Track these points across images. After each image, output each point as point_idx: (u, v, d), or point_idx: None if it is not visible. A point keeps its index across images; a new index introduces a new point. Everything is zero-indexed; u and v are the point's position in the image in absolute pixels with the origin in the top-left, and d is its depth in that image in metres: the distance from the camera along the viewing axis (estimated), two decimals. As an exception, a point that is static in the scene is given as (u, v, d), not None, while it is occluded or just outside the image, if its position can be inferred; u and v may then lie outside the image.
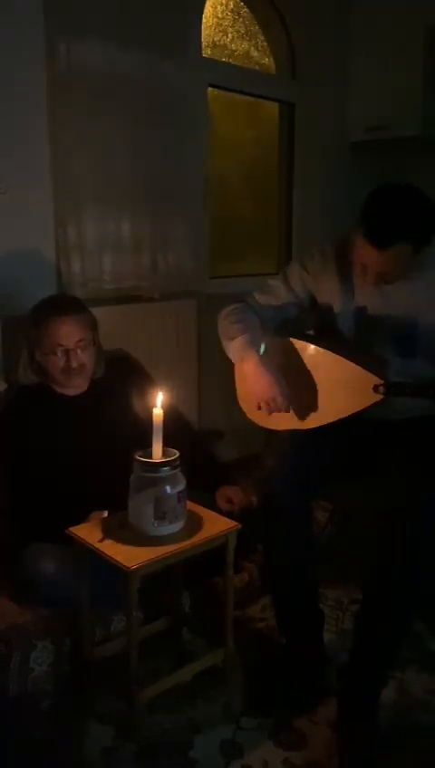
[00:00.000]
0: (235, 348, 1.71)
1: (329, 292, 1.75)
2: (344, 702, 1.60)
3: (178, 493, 1.48)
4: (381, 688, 1.61)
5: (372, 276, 1.61)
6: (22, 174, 2.09)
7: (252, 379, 1.67)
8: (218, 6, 2.84)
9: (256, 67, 3.02)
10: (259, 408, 1.69)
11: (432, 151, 2.99)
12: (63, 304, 1.88)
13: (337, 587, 2.15)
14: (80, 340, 1.83)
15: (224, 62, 2.84)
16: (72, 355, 1.82)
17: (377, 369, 1.64)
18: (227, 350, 1.75)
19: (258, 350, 1.68)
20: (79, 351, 1.83)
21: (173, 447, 1.51)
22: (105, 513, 1.63)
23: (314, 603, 1.79)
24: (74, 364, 1.82)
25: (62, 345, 1.81)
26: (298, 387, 1.70)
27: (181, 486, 1.49)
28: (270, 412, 1.68)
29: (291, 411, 1.71)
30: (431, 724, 1.63)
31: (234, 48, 2.93)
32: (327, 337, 1.76)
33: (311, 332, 1.84)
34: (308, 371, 1.72)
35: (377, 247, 1.52)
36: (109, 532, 1.52)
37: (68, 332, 1.81)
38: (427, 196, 1.53)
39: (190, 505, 1.58)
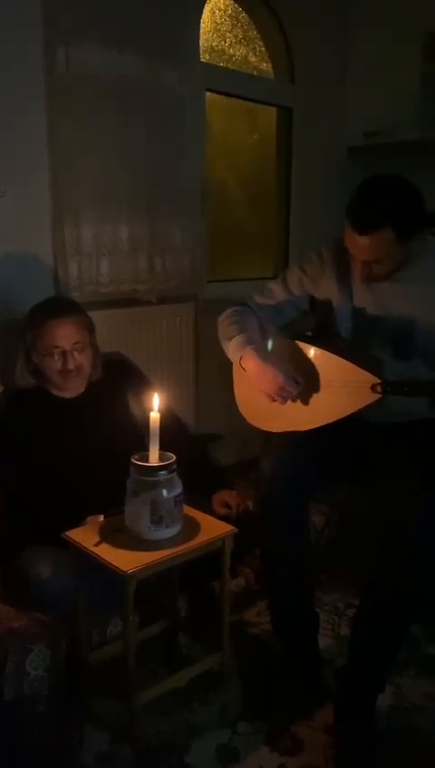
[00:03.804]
0: (233, 348, 1.71)
1: (327, 294, 1.76)
2: (341, 704, 1.60)
3: (175, 496, 1.47)
4: (378, 691, 1.61)
5: (359, 268, 1.61)
6: (20, 177, 2.10)
7: (255, 375, 1.66)
8: (217, 11, 2.85)
9: (254, 72, 3.03)
10: (273, 401, 1.67)
11: (430, 156, 3.00)
12: (60, 306, 1.88)
13: (333, 592, 2.15)
14: (76, 342, 1.83)
15: (222, 66, 2.85)
16: (68, 357, 1.82)
17: (374, 369, 1.65)
18: (227, 350, 1.76)
19: (256, 347, 1.67)
20: (75, 353, 1.83)
21: (170, 451, 1.50)
22: (101, 518, 1.63)
23: (311, 606, 1.79)
24: (71, 366, 1.82)
25: (58, 347, 1.81)
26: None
27: (178, 490, 1.48)
28: (284, 402, 1.66)
29: (289, 412, 1.71)
30: (428, 728, 1.63)
31: (232, 53, 2.93)
32: (325, 338, 1.76)
33: (309, 334, 1.84)
34: (306, 372, 1.72)
35: (359, 232, 1.53)
36: (105, 535, 1.51)
37: (64, 334, 1.81)
38: (416, 188, 1.54)
39: (187, 509, 1.57)
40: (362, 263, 1.60)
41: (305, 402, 1.70)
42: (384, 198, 1.52)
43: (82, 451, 1.83)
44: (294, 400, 1.67)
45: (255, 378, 1.67)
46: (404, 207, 1.52)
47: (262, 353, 1.67)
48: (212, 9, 2.82)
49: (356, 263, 1.63)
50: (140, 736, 1.54)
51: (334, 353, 1.69)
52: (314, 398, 1.70)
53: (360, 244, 1.55)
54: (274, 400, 1.67)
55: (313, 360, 1.72)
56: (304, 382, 1.66)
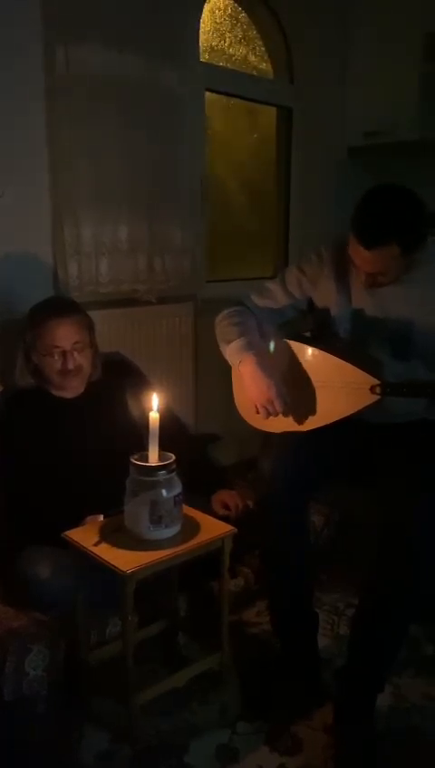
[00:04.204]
0: (232, 351, 1.72)
1: (326, 295, 1.76)
2: (341, 704, 1.60)
3: (175, 496, 1.47)
4: (377, 691, 1.61)
5: (363, 276, 1.62)
6: (20, 177, 2.09)
7: (249, 382, 1.68)
8: (216, 11, 2.85)
9: (254, 72, 3.03)
10: (257, 411, 1.69)
11: (430, 156, 3.00)
12: (60, 306, 1.88)
13: (333, 592, 2.15)
14: (76, 342, 1.83)
15: (222, 66, 2.85)
16: (68, 357, 1.82)
17: (372, 370, 1.65)
18: (225, 352, 1.76)
19: (256, 353, 1.68)
20: (75, 353, 1.83)
21: (169, 451, 1.50)
22: (100, 518, 1.63)
23: (310, 605, 1.79)
24: (70, 366, 1.82)
25: (58, 347, 1.81)
26: (295, 389, 1.70)
27: (177, 490, 1.48)
28: (267, 416, 1.68)
29: (289, 414, 1.71)
30: (428, 728, 1.63)
31: (232, 53, 2.93)
32: (324, 339, 1.76)
33: (308, 335, 1.84)
34: (305, 373, 1.72)
35: (365, 246, 1.53)
36: (104, 535, 1.51)
37: (64, 334, 1.81)
38: (421, 199, 1.54)
39: (186, 509, 1.57)
40: (367, 273, 1.60)
41: (305, 404, 1.70)
42: (390, 213, 1.52)
43: (81, 451, 1.83)
44: (275, 415, 1.68)
45: (248, 384, 1.68)
46: (410, 221, 1.53)
47: (260, 360, 1.67)
48: (212, 9, 2.82)
49: (359, 271, 1.63)
50: (140, 736, 1.54)
51: (333, 354, 1.69)
52: (314, 400, 1.70)
53: (365, 257, 1.56)
54: (257, 411, 1.68)
55: (311, 360, 1.72)
56: (291, 403, 1.67)
